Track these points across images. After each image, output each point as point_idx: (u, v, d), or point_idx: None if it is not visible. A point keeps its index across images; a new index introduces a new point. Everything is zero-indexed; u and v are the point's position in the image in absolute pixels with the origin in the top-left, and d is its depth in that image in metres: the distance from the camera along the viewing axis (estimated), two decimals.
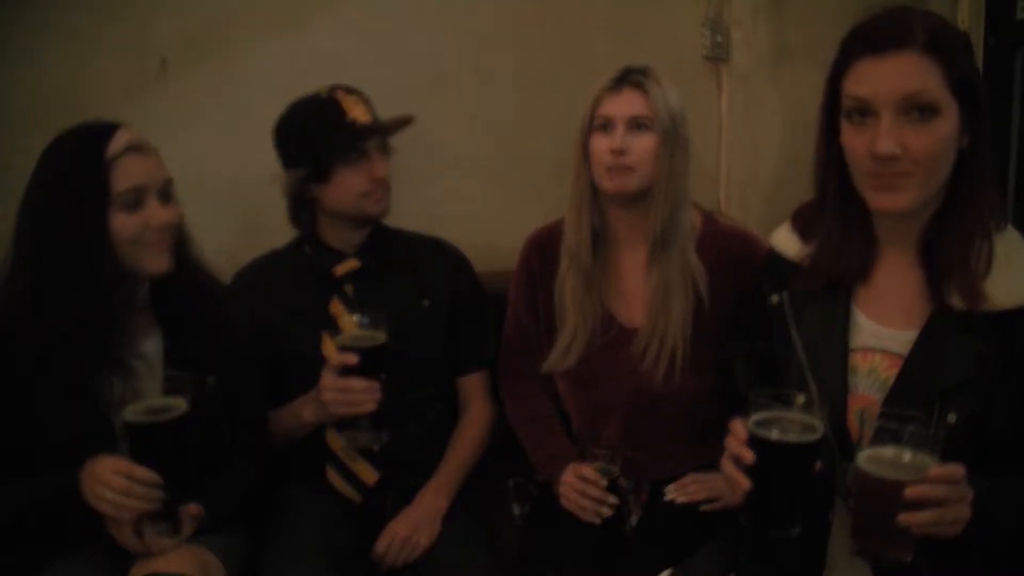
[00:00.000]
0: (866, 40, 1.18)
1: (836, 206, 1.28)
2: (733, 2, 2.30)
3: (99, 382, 1.42)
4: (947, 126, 1.15)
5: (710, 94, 2.35)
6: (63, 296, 1.38)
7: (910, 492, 1.05)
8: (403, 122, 1.79)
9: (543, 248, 1.75)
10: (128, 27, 1.96)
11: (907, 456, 1.08)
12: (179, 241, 1.49)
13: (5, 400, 1.40)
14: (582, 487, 1.58)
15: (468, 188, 2.20)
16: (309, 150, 1.71)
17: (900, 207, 1.19)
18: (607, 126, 1.60)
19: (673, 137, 1.59)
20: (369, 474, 1.74)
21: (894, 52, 1.14)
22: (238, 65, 2.03)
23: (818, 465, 1.15)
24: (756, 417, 1.14)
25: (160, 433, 1.32)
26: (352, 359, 1.55)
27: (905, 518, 1.05)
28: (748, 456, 1.14)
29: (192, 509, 1.39)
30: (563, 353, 1.68)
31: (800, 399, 1.15)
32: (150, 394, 1.39)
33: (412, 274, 1.82)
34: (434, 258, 1.87)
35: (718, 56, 2.33)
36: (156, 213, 1.41)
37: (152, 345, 1.50)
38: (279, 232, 1.83)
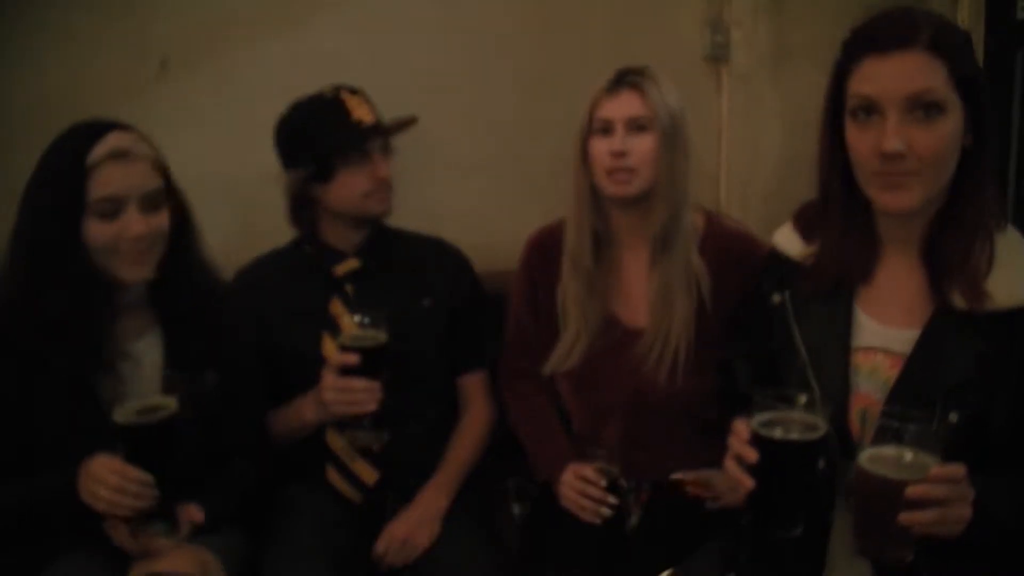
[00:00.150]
0: (871, 40, 1.18)
1: (839, 206, 1.29)
2: (733, 2, 2.30)
3: (98, 380, 1.42)
4: (952, 124, 1.16)
5: (710, 94, 2.34)
6: (50, 295, 1.38)
7: (911, 492, 1.05)
8: (407, 123, 1.80)
9: (544, 248, 1.75)
10: (128, 27, 1.96)
11: (908, 456, 1.08)
12: (182, 243, 1.49)
13: (5, 397, 1.40)
14: (582, 487, 1.58)
15: (468, 188, 2.20)
16: (312, 150, 1.71)
17: (906, 206, 1.19)
18: (606, 129, 1.60)
19: (673, 137, 1.59)
20: (369, 474, 1.74)
21: (899, 51, 1.15)
22: (238, 65, 2.03)
23: (821, 464, 1.15)
24: (759, 417, 1.15)
25: (150, 434, 1.32)
26: (352, 359, 1.55)
27: (906, 518, 1.05)
28: (751, 455, 1.14)
29: (193, 515, 1.39)
30: (565, 354, 1.68)
31: (803, 399, 1.15)
32: (149, 393, 1.39)
33: (412, 274, 1.82)
34: (434, 258, 1.87)
35: (718, 56, 2.32)
36: (133, 224, 1.38)
37: (152, 345, 1.49)
38: (279, 232, 1.82)
